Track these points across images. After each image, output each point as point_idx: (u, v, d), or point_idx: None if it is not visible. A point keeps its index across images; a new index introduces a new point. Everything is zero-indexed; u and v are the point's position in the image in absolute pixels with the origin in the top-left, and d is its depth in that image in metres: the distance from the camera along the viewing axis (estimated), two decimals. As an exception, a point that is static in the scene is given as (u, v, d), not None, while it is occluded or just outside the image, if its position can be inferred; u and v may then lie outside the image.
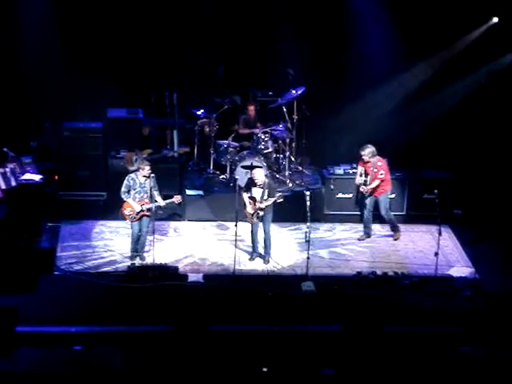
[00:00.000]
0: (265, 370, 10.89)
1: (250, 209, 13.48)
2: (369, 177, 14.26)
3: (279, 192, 13.50)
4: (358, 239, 14.62)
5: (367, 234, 14.64)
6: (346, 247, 14.39)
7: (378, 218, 14.72)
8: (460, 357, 11.50)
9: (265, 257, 13.70)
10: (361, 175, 14.35)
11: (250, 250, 13.90)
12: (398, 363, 11.21)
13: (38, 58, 15.65)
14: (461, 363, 11.36)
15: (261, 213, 13.39)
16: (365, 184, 14.31)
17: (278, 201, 13.46)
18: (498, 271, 13.62)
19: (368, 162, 14.21)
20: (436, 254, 13.18)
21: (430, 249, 14.05)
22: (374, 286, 13.13)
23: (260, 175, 13.42)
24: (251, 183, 13.53)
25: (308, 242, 13.16)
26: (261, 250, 13.79)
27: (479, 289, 13.02)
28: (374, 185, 14.25)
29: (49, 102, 15.82)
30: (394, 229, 14.60)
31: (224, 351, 11.19)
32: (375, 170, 14.20)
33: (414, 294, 12.98)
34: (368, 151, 14.19)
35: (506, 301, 12.72)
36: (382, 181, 14.24)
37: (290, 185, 15.21)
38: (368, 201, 14.41)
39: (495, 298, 12.82)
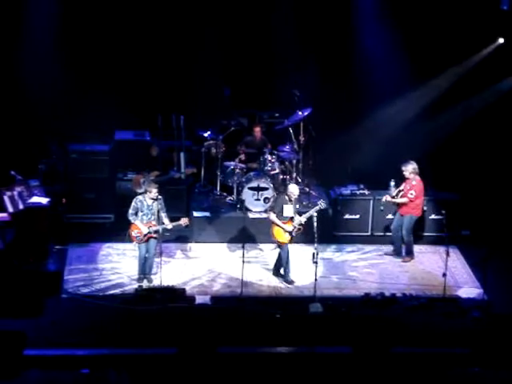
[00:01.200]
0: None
1: (288, 227, 13.43)
2: (401, 193, 14.32)
3: (320, 200, 13.60)
4: (385, 254, 14.65)
5: (394, 251, 14.61)
6: (354, 268, 14.36)
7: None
8: (468, 378, 11.44)
9: (276, 271, 13.73)
10: (399, 190, 14.37)
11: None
12: (407, 385, 11.17)
13: (45, 80, 15.72)
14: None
15: (301, 228, 13.38)
16: (393, 197, 14.39)
17: (322, 207, 13.48)
18: (507, 292, 13.56)
19: (408, 178, 14.24)
20: (444, 275, 13.15)
21: (438, 270, 14.00)
22: (381, 308, 13.08)
23: (296, 190, 13.45)
24: (283, 201, 13.48)
25: (316, 263, 13.13)
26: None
27: (487, 310, 12.96)
28: (399, 201, 14.30)
29: (56, 125, 15.86)
30: (408, 252, 14.57)
31: (232, 373, 11.16)
32: (408, 188, 14.23)
33: (422, 315, 12.92)
34: (410, 167, 14.24)
35: (514, 322, 12.67)
36: (411, 201, 14.22)
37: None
38: (395, 219, 14.48)
39: (504, 319, 12.75)
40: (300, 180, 15.77)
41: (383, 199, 14.53)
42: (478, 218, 15.41)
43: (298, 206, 13.61)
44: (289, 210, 13.44)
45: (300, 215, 13.49)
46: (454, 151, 16.29)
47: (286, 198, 13.50)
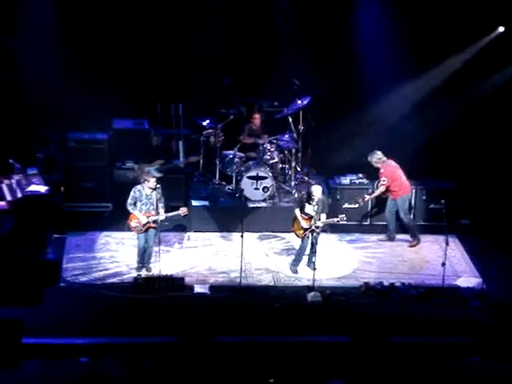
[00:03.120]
0: (271, 381, 10.87)
1: (304, 224, 13.37)
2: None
3: (343, 213, 13.62)
4: (379, 240, 14.70)
5: (388, 236, 14.68)
6: (353, 258, 14.35)
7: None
8: (467, 368, 11.46)
9: (311, 265, 13.42)
10: (376, 183, 14.54)
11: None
12: (406, 374, 11.17)
13: (44, 68, 15.66)
14: (468, 374, 11.33)
15: (317, 230, 13.28)
16: (373, 191, 14.53)
17: (341, 222, 13.53)
18: (506, 281, 13.56)
19: (377, 168, 14.38)
20: (443, 265, 13.13)
21: (437, 259, 13.99)
22: (380, 297, 13.08)
23: (318, 192, 13.34)
24: (306, 200, 13.43)
25: (314, 252, 13.12)
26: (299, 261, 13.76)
27: (487, 299, 12.97)
28: (377, 192, 14.45)
29: (55, 113, 15.82)
30: (412, 235, 14.62)
31: (230, 363, 11.17)
32: (380, 177, 14.34)
33: (421, 304, 12.93)
34: (374, 158, 14.40)
35: (513, 311, 12.68)
36: (388, 187, 14.31)
37: (296, 195, 15.19)
38: (388, 203, 14.55)
39: (503, 308, 12.76)
40: (299, 169, 15.75)
41: (360, 201, 14.44)
42: (477, 208, 15.40)
43: (321, 207, 13.32)
44: (309, 208, 13.36)
45: (328, 218, 13.41)
46: (453, 140, 16.25)
47: (309, 197, 13.41)
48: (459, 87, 16.29)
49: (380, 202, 15.09)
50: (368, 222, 15.24)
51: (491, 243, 13.85)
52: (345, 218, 13.54)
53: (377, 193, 14.49)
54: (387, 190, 14.42)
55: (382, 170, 14.36)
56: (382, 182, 14.33)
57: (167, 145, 15.67)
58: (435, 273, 13.62)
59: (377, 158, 14.35)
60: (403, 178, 14.46)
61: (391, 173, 14.37)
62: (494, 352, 11.72)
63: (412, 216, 15.02)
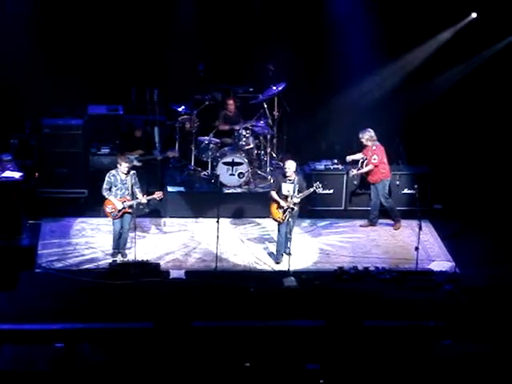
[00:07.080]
0: (247, 364, 10.94)
1: (283, 203, 13.24)
2: (365, 162, 14.48)
3: (316, 183, 13.44)
4: (360, 225, 14.75)
5: (370, 221, 14.76)
6: (328, 242, 14.45)
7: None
8: (440, 351, 11.60)
9: (287, 251, 13.40)
10: (362, 161, 14.52)
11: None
12: (380, 357, 11.29)
13: (18, 54, 15.56)
14: (441, 357, 11.46)
15: (296, 208, 13.21)
16: (359, 169, 14.55)
17: (318, 190, 13.40)
18: (478, 265, 13.72)
19: (366, 145, 14.39)
20: (416, 249, 13.26)
21: (410, 243, 14.12)
22: (355, 281, 13.18)
23: (292, 166, 13.26)
24: (281, 179, 13.38)
25: (290, 238, 13.20)
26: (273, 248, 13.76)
27: (459, 283, 13.12)
28: (365, 169, 14.46)
29: (29, 99, 15.72)
30: (394, 218, 14.73)
31: (207, 347, 11.22)
32: (370, 154, 14.40)
33: (394, 288, 13.05)
34: (366, 135, 14.40)
35: (485, 294, 12.82)
36: (376, 166, 14.37)
37: (272, 181, 15.25)
38: (371, 189, 14.61)
39: (475, 291, 12.92)
40: (274, 155, 15.79)
41: (351, 174, 14.62)
42: (450, 192, 15.55)
43: (298, 188, 13.22)
44: (286, 188, 13.29)
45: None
46: (426, 125, 16.36)
47: (283, 175, 13.37)
48: (431, 72, 16.40)
49: (354, 188, 15.19)
50: (342, 207, 15.32)
51: (464, 227, 13.99)
52: (320, 186, 13.42)
53: (365, 170, 14.47)
54: (372, 170, 14.44)
55: (374, 148, 14.36)
56: (372, 161, 14.36)
57: (150, 135, 15.64)
58: (409, 257, 13.75)
59: (369, 135, 14.36)
60: (386, 161, 14.56)
61: (383, 153, 14.44)
62: (467, 335, 11.87)
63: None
